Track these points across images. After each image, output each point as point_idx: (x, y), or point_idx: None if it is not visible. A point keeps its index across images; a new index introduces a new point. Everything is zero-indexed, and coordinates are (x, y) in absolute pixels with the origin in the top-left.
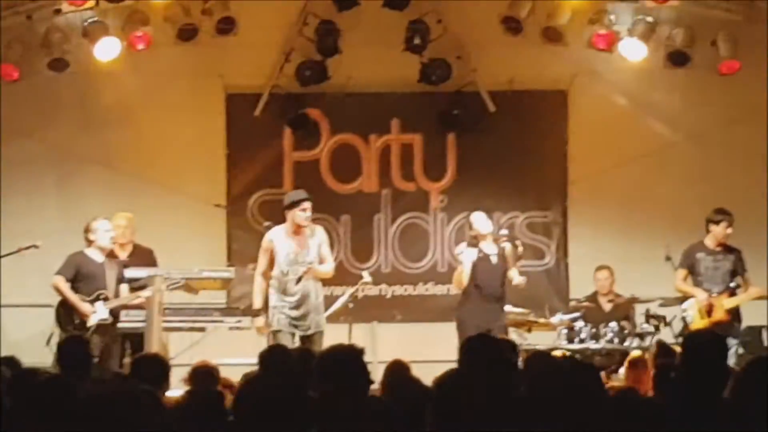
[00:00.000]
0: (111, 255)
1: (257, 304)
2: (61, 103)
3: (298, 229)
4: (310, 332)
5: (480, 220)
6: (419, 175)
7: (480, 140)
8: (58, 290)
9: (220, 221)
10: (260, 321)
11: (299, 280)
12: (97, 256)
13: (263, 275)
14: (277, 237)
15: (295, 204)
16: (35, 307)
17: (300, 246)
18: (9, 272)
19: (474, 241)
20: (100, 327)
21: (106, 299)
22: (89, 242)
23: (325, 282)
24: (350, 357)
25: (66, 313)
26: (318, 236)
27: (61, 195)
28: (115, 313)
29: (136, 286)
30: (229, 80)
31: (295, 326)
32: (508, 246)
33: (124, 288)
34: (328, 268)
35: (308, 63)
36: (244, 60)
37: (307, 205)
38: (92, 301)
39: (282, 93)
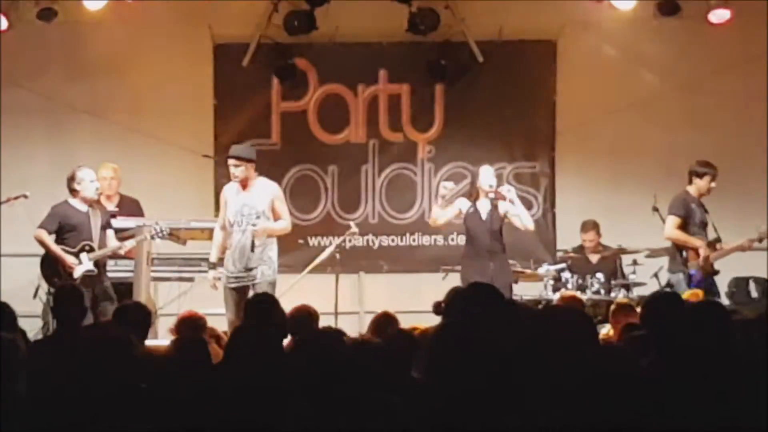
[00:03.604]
0: (97, 204)
1: (212, 257)
2: (49, 53)
3: (242, 183)
4: (256, 282)
5: (486, 175)
6: (407, 126)
7: (468, 90)
8: (41, 243)
9: (208, 172)
10: (211, 275)
11: (253, 245)
12: (81, 206)
13: (222, 228)
14: (230, 191)
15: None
16: (25, 256)
17: (248, 199)
18: None
19: (473, 193)
20: (87, 278)
21: (91, 250)
22: (74, 192)
23: (312, 232)
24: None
25: (50, 265)
26: (270, 192)
27: (50, 144)
28: (102, 264)
29: (124, 236)
30: (217, 30)
31: (241, 278)
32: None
33: (110, 234)
34: (282, 224)
35: (296, 13)
36: (232, 9)
37: (229, 161)
38: (77, 253)
39: (270, 43)
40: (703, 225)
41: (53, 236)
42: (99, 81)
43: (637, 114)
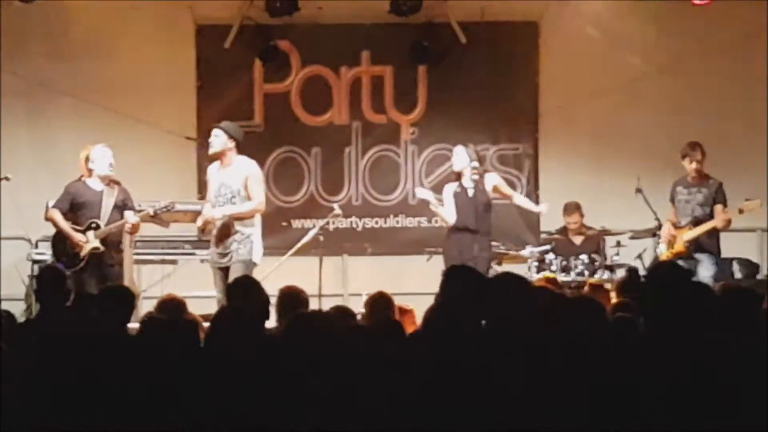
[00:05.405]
0: (114, 183)
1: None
2: (30, 34)
3: (220, 159)
4: (231, 262)
5: (456, 156)
6: (390, 108)
7: (451, 72)
8: (51, 221)
9: (191, 154)
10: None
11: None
12: (96, 185)
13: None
14: (212, 169)
15: None
16: (6, 239)
17: (225, 178)
18: None
19: (455, 176)
20: (95, 257)
21: (98, 228)
22: (90, 171)
23: (296, 214)
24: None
25: (60, 244)
26: (245, 170)
27: (31, 127)
28: (114, 242)
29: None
30: (199, 11)
31: (223, 255)
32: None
33: (129, 215)
34: (247, 206)
35: None
36: None
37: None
38: (85, 231)
39: (252, 24)
40: (689, 206)
41: (62, 216)
42: (80, 63)
43: (621, 95)
